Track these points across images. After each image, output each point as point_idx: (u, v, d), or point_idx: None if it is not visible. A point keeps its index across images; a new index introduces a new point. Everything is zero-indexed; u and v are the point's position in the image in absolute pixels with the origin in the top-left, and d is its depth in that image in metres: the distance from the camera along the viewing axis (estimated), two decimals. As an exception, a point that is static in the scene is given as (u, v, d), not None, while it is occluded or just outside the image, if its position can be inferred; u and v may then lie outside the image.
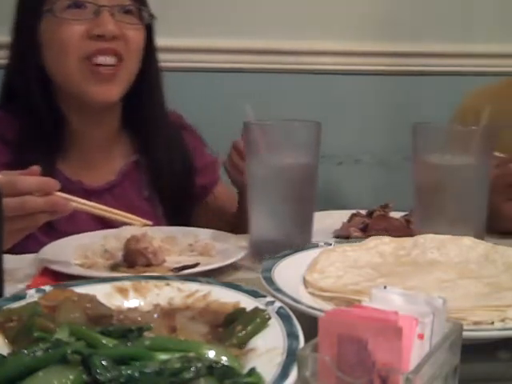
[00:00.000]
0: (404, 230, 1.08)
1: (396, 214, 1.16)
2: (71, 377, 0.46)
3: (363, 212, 1.19)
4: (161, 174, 1.29)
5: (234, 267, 0.94)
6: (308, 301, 0.69)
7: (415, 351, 0.39)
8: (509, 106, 1.29)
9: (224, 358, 0.51)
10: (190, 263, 0.91)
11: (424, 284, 0.71)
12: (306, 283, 0.75)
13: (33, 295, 0.64)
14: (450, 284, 0.72)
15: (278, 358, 0.51)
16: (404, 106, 2.00)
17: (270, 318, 0.58)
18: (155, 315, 0.63)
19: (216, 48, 1.84)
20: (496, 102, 1.29)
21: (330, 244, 0.87)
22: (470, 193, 0.95)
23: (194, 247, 1.01)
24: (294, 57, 1.90)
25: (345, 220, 1.17)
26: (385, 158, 2.02)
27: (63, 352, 0.47)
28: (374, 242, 0.86)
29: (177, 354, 0.49)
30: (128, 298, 0.67)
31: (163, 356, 0.50)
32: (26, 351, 0.48)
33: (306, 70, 1.92)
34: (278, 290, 0.68)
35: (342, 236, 1.10)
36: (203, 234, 1.06)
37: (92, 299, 0.61)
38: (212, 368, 0.48)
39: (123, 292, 0.67)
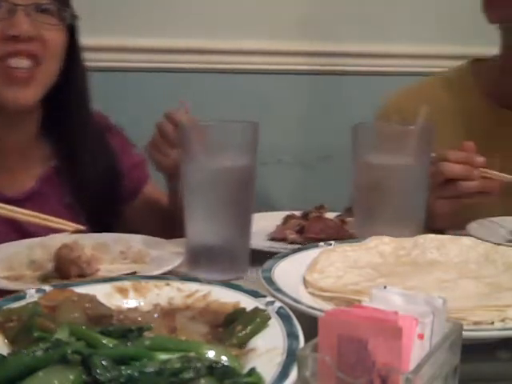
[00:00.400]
0: (340, 230, 1.07)
1: (330, 215, 1.15)
2: (71, 377, 0.46)
3: (298, 214, 1.16)
4: (84, 178, 1.23)
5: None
6: (308, 301, 0.69)
7: (415, 351, 0.39)
8: (431, 105, 1.29)
9: (224, 358, 0.51)
10: (127, 272, 0.85)
11: (424, 284, 0.71)
12: (306, 283, 0.75)
13: (33, 295, 0.64)
14: (450, 284, 0.72)
15: (278, 357, 0.51)
16: (326, 105, 1.99)
17: (270, 318, 0.58)
18: (155, 315, 0.63)
19: (140, 47, 1.81)
20: (418, 102, 1.30)
21: (330, 244, 0.87)
22: (409, 192, 0.95)
23: (126, 254, 0.95)
24: (217, 56, 1.87)
25: (279, 222, 1.14)
26: (306, 157, 2.00)
27: (63, 352, 0.47)
28: (374, 242, 0.86)
29: (177, 354, 0.50)
30: (128, 298, 0.67)
31: (163, 356, 0.50)
32: (25, 351, 0.48)
33: (228, 70, 1.89)
34: (278, 290, 0.68)
35: (278, 239, 1.08)
36: (135, 240, 1.00)
37: (92, 299, 0.61)
38: (212, 368, 0.48)
39: (123, 292, 0.67)
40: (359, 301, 0.63)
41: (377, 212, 0.95)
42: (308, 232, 1.07)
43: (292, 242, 1.05)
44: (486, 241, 0.92)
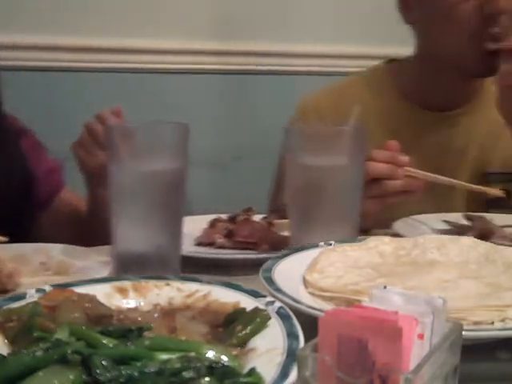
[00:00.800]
0: (268, 232, 1.05)
1: (256, 217, 1.12)
2: (71, 377, 0.46)
3: (224, 217, 1.13)
4: None
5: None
6: (308, 301, 0.69)
7: (415, 351, 0.39)
8: (349, 105, 1.28)
9: (224, 358, 0.51)
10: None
11: (424, 284, 0.71)
12: (306, 283, 0.75)
13: (33, 295, 0.64)
14: (450, 284, 0.72)
15: (278, 358, 0.51)
16: (239, 105, 1.98)
17: (270, 318, 0.58)
18: (155, 315, 0.63)
19: (60, 46, 1.78)
20: (339, 101, 1.29)
21: (330, 244, 0.87)
22: (344, 193, 0.93)
23: (48, 265, 0.88)
24: (128, 55, 1.85)
25: (205, 226, 1.11)
26: (220, 158, 1.99)
27: (63, 352, 0.47)
28: (374, 242, 0.86)
29: (177, 354, 0.50)
30: (128, 298, 0.67)
31: (163, 356, 0.50)
32: (25, 351, 0.48)
33: (140, 69, 1.87)
34: (278, 290, 0.68)
35: (205, 243, 1.05)
36: (55, 250, 0.93)
37: (92, 299, 0.61)
38: (212, 368, 0.48)
39: (123, 292, 0.67)
40: (359, 301, 0.63)
41: (313, 213, 0.93)
42: (237, 236, 1.03)
43: (220, 247, 1.02)
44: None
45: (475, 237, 0.94)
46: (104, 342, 0.51)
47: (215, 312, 0.63)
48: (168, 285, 0.68)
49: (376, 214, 1.09)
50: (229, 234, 1.05)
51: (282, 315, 0.59)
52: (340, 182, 0.92)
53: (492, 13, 1.12)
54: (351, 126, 0.92)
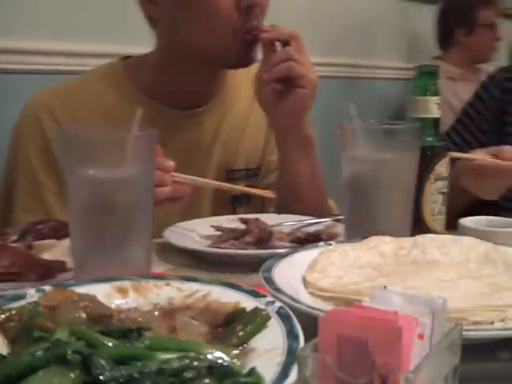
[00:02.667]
0: (32, 258, 0.86)
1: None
2: (71, 377, 0.46)
3: None
4: None
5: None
6: (308, 301, 0.69)
7: (415, 351, 0.39)
8: (93, 104, 1.21)
9: (224, 358, 0.51)
10: None
11: (424, 284, 0.71)
12: (305, 283, 0.75)
13: (33, 295, 0.64)
14: (450, 284, 0.72)
15: (278, 358, 0.51)
16: None
17: (269, 318, 0.58)
18: (155, 315, 0.63)
19: None
20: (75, 101, 1.22)
21: (330, 244, 0.87)
22: (136, 209, 0.77)
23: None
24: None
25: None
26: None
27: (63, 352, 0.47)
28: (374, 241, 0.86)
29: (177, 354, 0.50)
30: (128, 298, 0.67)
31: (163, 356, 0.50)
32: (25, 351, 0.48)
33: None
34: (278, 290, 0.68)
35: None
36: None
37: (92, 299, 0.61)
38: (212, 368, 0.48)
39: (123, 292, 0.67)
40: (359, 301, 0.63)
41: (101, 233, 0.77)
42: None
43: None
44: (182, 246, 0.96)
45: (254, 240, 0.99)
46: (104, 342, 0.51)
47: (215, 312, 0.63)
48: (168, 285, 0.68)
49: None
50: None
51: (282, 315, 0.59)
52: (129, 195, 0.77)
53: (249, 5, 1.12)
54: (135, 131, 0.78)
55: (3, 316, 0.58)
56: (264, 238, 1.01)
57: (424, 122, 0.98)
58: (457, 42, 2.81)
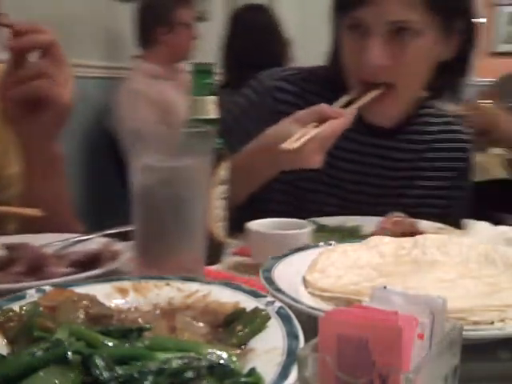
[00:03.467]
0: None
1: None
2: (71, 377, 0.46)
3: None
4: None
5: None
6: (308, 301, 0.69)
7: (415, 351, 0.39)
8: None
9: (224, 358, 0.51)
10: None
11: (424, 284, 0.71)
12: (305, 283, 0.75)
13: (33, 295, 0.64)
14: (449, 284, 0.72)
15: (278, 358, 0.51)
16: None
17: (269, 318, 0.58)
18: (155, 315, 0.63)
19: None
20: None
21: (330, 244, 0.87)
22: None
23: None
24: None
25: None
26: None
27: (63, 352, 0.47)
28: (374, 241, 0.86)
29: (177, 354, 0.50)
30: (128, 298, 0.67)
31: (163, 356, 0.50)
32: (25, 351, 0.48)
33: None
34: (278, 290, 0.68)
35: None
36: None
37: (92, 299, 0.61)
38: (212, 368, 0.48)
39: (123, 292, 0.67)
40: (359, 301, 0.63)
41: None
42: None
43: None
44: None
45: (25, 270, 0.80)
46: (104, 341, 0.51)
47: (215, 312, 0.63)
48: (168, 285, 0.68)
49: None
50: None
51: (281, 315, 0.59)
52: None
53: None
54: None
55: (3, 316, 0.58)
56: (37, 265, 0.82)
57: (202, 124, 0.90)
58: (156, 40, 2.81)
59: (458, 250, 0.83)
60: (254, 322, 0.58)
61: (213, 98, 0.92)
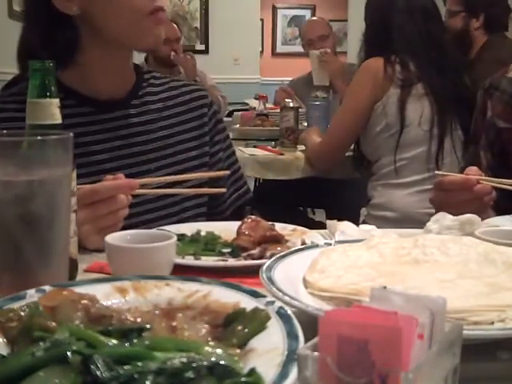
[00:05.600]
0: None
1: None
2: (71, 377, 0.46)
3: None
4: None
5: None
6: (308, 301, 0.69)
7: (415, 351, 0.39)
8: None
9: (224, 358, 0.51)
10: None
11: (424, 284, 0.71)
12: (305, 283, 0.75)
13: (33, 295, 0.63)
14: (450, 284, 0.72)
15: (278, 358, 0.51)
16: None
17: (269, 318, 0.58)
18: (155, 315, 0.63)
19: None
20: None
21: (330, 244, 0.87)
22: None
23: None
24: None
25: None
26: None
27: (63, 352, 0.47)
28: (374, 241, 0.86)
29: (177, 354, 0.50)
30: (128, 298, 0.67)
31: (163, 356, 0.50)
32: (26, 351, 0.48)
33: None
34: (278, 289, 0.68)
35: None
36: None
37: (92, 299, 0.61)
38: (212, 368, 0.48)
39: (123, 292, 0.67)
40: (359, 301, 0.63)
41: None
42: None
43: None
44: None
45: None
46: (104, 341, 0.51)
47: (215, 312, 0.63)
48: (168, 285, 0.68)
49: None
50: None
51: (281, 315, 0.59)
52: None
53: None
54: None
55: (3, 316, 0.58)
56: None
57: (47, 130, 0.79)
58: None
59: (457, 249, 0.83)
60: (254, 322, 0.58)
61: (57, 100, 0.83)
